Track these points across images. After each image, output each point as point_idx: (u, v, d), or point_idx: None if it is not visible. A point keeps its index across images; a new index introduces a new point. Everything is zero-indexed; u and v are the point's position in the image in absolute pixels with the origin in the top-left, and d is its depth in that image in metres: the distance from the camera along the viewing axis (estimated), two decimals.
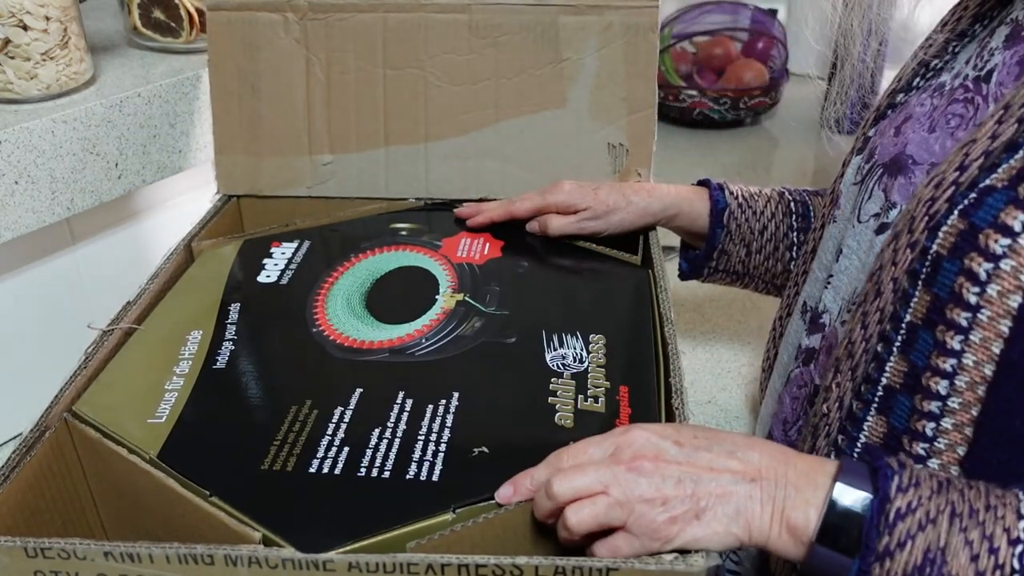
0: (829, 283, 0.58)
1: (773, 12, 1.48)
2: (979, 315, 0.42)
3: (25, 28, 0.73)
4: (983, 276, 0.42)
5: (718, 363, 0.88)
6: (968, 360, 0.43)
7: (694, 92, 1.41)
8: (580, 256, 0.71)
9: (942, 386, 0.44)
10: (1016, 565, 0.38)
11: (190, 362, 0.57)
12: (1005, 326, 0.42)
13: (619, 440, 0.44)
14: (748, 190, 0.75)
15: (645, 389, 0.54)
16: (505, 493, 0.45)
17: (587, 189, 0.72)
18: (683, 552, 0.41)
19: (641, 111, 0.77)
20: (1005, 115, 0.44)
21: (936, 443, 0.45)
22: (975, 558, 0.38)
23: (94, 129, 0.76)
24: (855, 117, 1.14)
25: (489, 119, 0.78)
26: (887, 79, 0.63)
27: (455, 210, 0.77)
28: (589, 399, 0.53)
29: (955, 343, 0.43)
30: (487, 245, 0.72)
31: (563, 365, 0.56)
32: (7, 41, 0.73)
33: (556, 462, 0.45)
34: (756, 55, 1.47)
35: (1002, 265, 0.42)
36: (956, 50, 0.57)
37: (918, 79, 0.59)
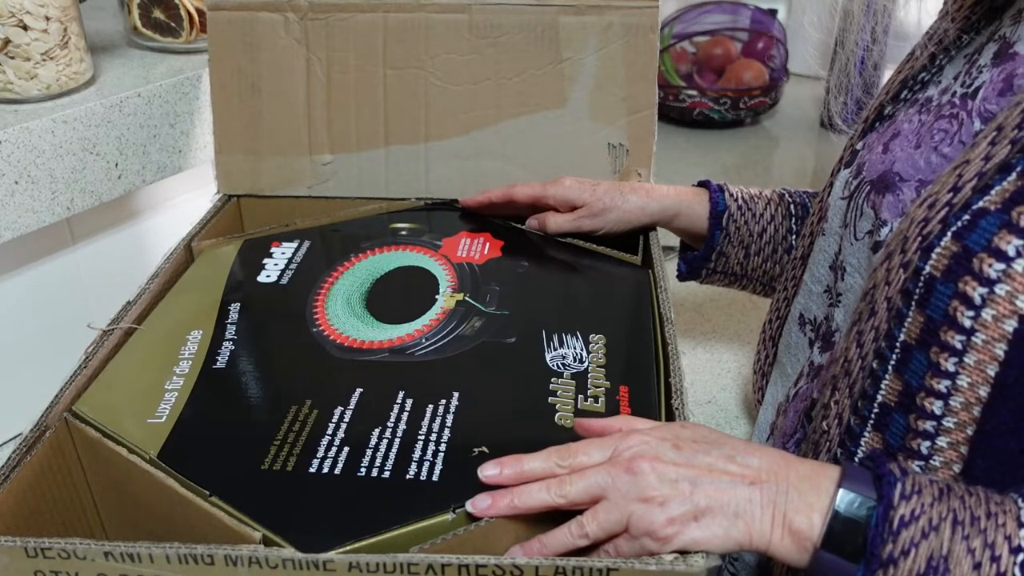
0: (839, 302, 0.58)
1: (773, 12, 1.48)
2: (973, 338, 0.42)
3: (25, 28, 0.73)
4: (977, 300, 0.42)
5: (718, 363, 0.88)
6: (963, 381, 0.43)
7: (694, 92, 1.41)
8: (580, 256, 0.71)
9: (936, 406, 0.44)
10: (1018, 573, 0.38)
11: (190, 362, 0.57)
12: (1000, 349, 0.42)
13: (618, 443, 0.44)
14: (748, 192, 0.75)
15: (645, 389, 0.54)
16: (481, 505, 0.44)
17: (587, 186, 0.72)
18: (683, 553, 0.41)
19: (641, 111, 0.77)
20: (998, 136, 0.44)
21: (931, 461, 0.45)
22: (977, 566, 0.38)
23: (94, 129, 0.76)
24: (854, 110, 1.14)
25: (489, 119, 0.78)
26: (888, 71, 0.62)
27: (461, 199, 0.77)
28: (589, 399, 0.53)
29: (949, 365, 0.43)
30: (487, 245, 0.72)
31: (563, 365, 0.56)
32: (7, 41, 0.73)
33: (555, 457, 0.45)
34: (756, 55, 1.47)
35: (997, 290, 0.41)
36: (942, 63, 0.57)
37: (905, 92, 0.59)
